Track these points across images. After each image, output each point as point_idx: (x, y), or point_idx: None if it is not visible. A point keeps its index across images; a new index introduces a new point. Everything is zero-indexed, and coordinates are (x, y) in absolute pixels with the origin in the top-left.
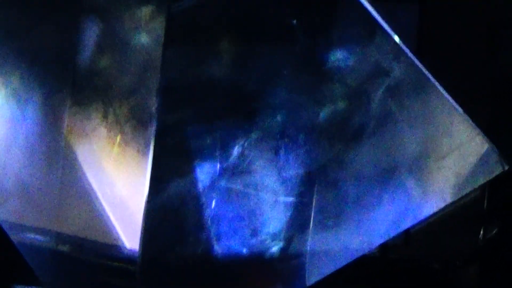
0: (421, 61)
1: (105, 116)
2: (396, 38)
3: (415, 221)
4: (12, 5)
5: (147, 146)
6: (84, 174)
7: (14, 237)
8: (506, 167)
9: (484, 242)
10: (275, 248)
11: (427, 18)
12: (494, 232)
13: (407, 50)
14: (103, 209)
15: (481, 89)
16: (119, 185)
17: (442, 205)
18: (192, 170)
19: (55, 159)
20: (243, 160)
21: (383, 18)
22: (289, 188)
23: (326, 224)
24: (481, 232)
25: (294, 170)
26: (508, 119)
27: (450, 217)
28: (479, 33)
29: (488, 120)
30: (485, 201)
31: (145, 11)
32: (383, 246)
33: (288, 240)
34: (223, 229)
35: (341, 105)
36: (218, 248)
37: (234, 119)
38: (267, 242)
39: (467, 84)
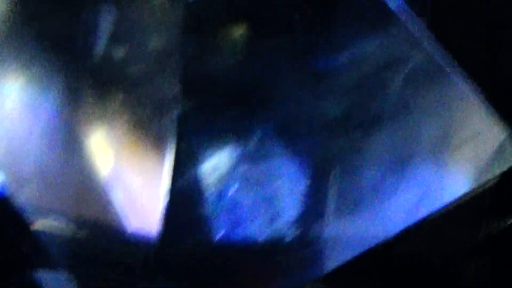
0: (436, 48)
1: (125, 101)
2: (411, 25)
3: (432, 210)
4: None
5: (164, 132)
6: (103, 158)
7: (32, 221)
8: None
9: (486, 237)
10: (292, 235)
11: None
12: (495, 227)
13: (422, 37)
14: (123, 194)
15: (481, 89)
16: (139, 169)
17: (459, 194)
18: (210, 157)
19: (74, 144)
20: (261, 146)
21: (397, 5)
22: (306, 176)
23: (343, 212)
24: (483, 227)
25: (311, 157)
26: (509, 120)
27: (450, 214)
28: (479, 33)
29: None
30: (487, 196)
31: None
32: (401, 235)
33: (306, 227)
34: (241, 216)
35: (358, 93)
36: (237, 234)
37: (252, 105)
38: (284, 229)
39: (483, 70)
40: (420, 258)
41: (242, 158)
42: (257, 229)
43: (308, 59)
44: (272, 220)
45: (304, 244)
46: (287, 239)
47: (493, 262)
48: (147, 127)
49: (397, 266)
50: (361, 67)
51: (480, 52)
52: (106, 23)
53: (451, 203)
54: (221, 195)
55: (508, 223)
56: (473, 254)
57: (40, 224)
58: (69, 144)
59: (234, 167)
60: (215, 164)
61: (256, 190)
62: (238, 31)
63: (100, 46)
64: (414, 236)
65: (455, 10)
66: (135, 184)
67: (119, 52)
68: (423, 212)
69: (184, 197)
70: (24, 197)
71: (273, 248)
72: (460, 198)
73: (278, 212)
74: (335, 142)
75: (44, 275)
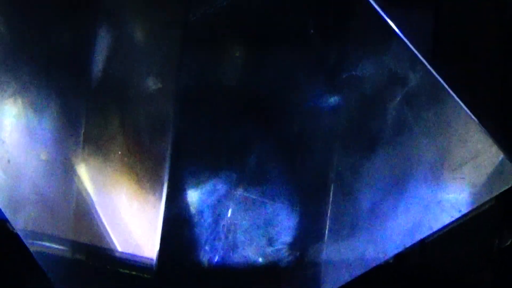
0: (437, 70)
1: (122, 124)
2: (412, 47)
3: (430, 231)
4: (27, 12)
5: (164, 153)
6: (100, 182)
7: (30, 244)
8: None
9: (499, 251)
10: (291, 257)
11: (442, 24)
12: (509, 240)
13: (422, 59)
14: (119, 217)
15: (496, 95)
16: (135, 193)
17: (457, 215)
18: (208, 179)
19: (72, 167)
20: (259, 168)
21: (398, 24)
22: (305, 197)
23: (341, 234)
24: (496, 240)
25: (310, 179)
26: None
27: (465, 225)
28: (494, 39)
29: (503, 128)
30: (500, 209)
31: (162, 18)
32: (398, 253)
33: (304, 249)
34: (239, 238)
35: (356, 113)
36: (234, 257)
37: (250, 126)
38: (283, 251)
39: (482, 91)
40: (433, 269)
41: (239, 181)
42: (254, 251)
43: (310, 77)
44: (269, 242)
45: (302, 266)
46: (285, 262)
47: (507, 275)
48: (143, 150)
49: (412, 279)
50: (362, 86)
51: (495, 58)
52: (104, 43)
53: (450, 224)
54: (218, 218)
55: None
56: (487, 267)
57: (38, 246)
58: (67, 167)
59: (231, 190)
60: (212, 187)
61: (253, 213)
62: (237, 50)
63: (98, 66)
64: (427, 248)
65: (470, 16)
66: (132, 208)
67: (118, 72)
68: (422, 233)
69: (181, 220)
70: (22, 220)
71: (271, 270)
72: (464, 217)
73: (276, 235)
74: (333, 163)
75: None
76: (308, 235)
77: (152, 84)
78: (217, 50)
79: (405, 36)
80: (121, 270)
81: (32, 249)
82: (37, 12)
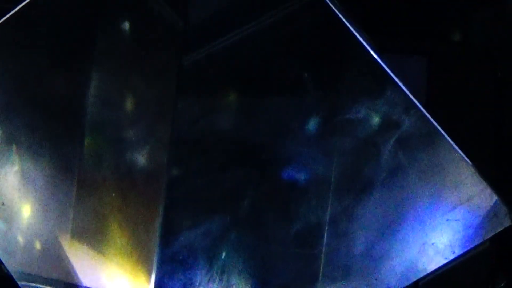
0: (431, 113)
1: (116, 167)
2: (406, 90)
3: (424, 273)
4: (22, 57)
5: (157, 197)
6: (94, 224)
7: (24, 286)
8: None
9: None
10: None
11: (436, 68)
12: (504, 282)
13: (417, 102)
14: (113, 260)
15: (489, 138)
16: (129, 236)
17: (451, 256)
18: (202, 222)
19: (66, 210)
20: (253, 212)
21: (392, 69)
22: (299, 240)
23: (335, 276)
24: (491, 282)
25: (304, 222)
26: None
27: (460, 267)
28: (486, 85)
29: (496, 170)
30: (495, 251)
31: (157, 62)
32: None
33: None
34: (233, 280)
35: (351, 157)
36: None
37: (244, 170)
38: None
39: (475, 134)
40: None
41: (233, 224)
42: None
43: (304, 122)
44: (263, 284)
45: None
46: None
47: None
48: (137, 193)
49: None
50: (356, 130)
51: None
52: (98, 87)
53: (444, 266)
54: (212, 260)
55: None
56: None
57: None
58: (61, 210)
59: (225, 232)
60: (207, 229)
61: (246, 255)
62: (231, 95)
63: (92, 112)
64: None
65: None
66: (126, 250)
67: (112, 117)
68: (417, 274)
69: (175, 262)
70: (15, 262)
71: None
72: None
73: (269, 277)
74: (328, 206)
75: None
76: (302, 277)
77: (146, 129)
78: (210, 95)
79: (399, 80)
80: None
81: None
82: (32, 58)
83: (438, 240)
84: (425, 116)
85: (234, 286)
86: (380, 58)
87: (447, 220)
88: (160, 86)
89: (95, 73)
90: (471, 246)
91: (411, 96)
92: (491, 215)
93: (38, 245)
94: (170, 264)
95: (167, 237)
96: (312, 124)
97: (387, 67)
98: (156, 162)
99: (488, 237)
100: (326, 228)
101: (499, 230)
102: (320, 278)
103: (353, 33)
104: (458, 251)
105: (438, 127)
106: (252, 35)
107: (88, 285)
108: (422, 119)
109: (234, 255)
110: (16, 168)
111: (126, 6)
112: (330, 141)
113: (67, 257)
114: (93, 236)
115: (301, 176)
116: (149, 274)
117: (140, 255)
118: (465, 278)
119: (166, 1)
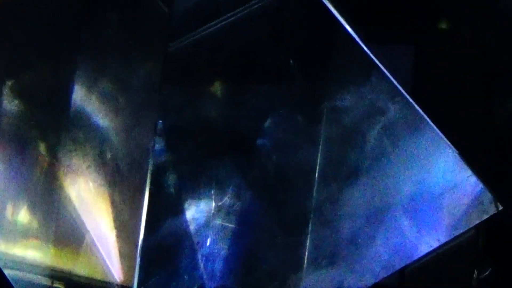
0: (417, 101)
1: (101, 154)
2: (392, 78)
3: (408, 261)
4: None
5: (142, 184)
6: (79, 212)
7: (9, 273)
8: (500, 208)
9: (479, 280)
10: (270, 287)
11: (422, 60)
12: (487, 272)
13: (402, 90)
14: (98, 247)
15: (476, 126)
16: (114, 223)
17: (436, 245)
18: (187, 209)
19: (52, 197)
20: (238, 199)
21: (379, 58)
22: (284, 227)
23: (321, 263)
24: (475, 270)
25: (289, 209)
26: (503, 158)
27: (444, 257)
28: (475, 76)
29: (484, 159)
30: (479, 241)
31: (142, 49)
32: (377, 283)
33: (283, 279)
34: (218, 268)
35: (336, 144)
36: (213, 286)
37: (230, 158)
38: (262, 281)
39: (462, 122)
40: None
41: (219, 210)
42: (233, 281)
43: (291, 109)
44: (249, 272)
45: None
46: None
47: None
48: (125, 178)
49: None
50: (342, 117)
51: (476, 93)
52: (84, 75)
53: (429, 253)
54: (197, 247)
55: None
56: None
57: (17, 274)
58: (46, 197)
59: (210, 219)
60: (192, 216)
61: (232, 242)
62: (219, 81)
63: (78, 98)
64: (406, 278)
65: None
66: (110, 237)
67: (97, 104)
68: (401, 262)
69: (160, 249)
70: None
71: None
72: (439, 247)
73: (255, 264)
74: (313, 194)
75: None
76: (287, 265)
77: (132, 116)
78: (197, 82)
79: (385, 68)
80: None
81: (10, 277)
82: (17, 48)
83: (423, 228)
84: (411, 104)
85: (218, 274)
86: (367, 46)
87: (432, 207)
88: (146, 73)
89: (79, 60)
90: (456, 233)
91: (396, 84)
92: (477, 202)
93: (21, 231)
94: (154, 251)
95: (152, 224)
96: (298, 112)
97: (373, 54)
98: (141, 149)
99: (474, 224)
100: (312, 215)
101: (484, 217)
102: (305, 266)
103: (340, 21)
104: (443, 239)
105: (424, 114)
106: (239, 22)
107: (71, 271)
108: (407, 107)
109: (219, 242)
110: (2, 157)
111: None
112: (316, 129)
113: (52, 243)
114: (76, 222)
115: (287, 164)
116: (134, 261)
117: (124, 242)
118: (451, 266)
119: None
